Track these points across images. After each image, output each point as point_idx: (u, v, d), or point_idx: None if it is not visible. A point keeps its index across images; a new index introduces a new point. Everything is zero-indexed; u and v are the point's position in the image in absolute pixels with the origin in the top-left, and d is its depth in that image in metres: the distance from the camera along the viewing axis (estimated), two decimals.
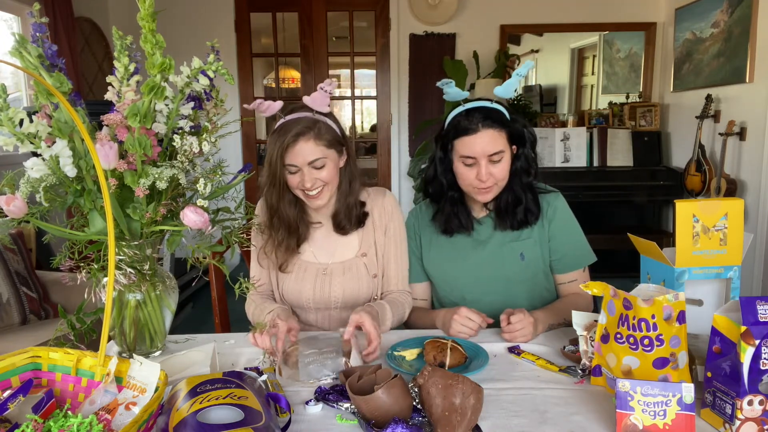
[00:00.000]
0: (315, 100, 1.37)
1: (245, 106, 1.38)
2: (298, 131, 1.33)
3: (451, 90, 1.45)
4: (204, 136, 1.11)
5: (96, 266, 1.09)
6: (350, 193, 1.48)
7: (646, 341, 0.98)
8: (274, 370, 1.17)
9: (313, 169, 1.36)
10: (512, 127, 1.45)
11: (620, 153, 4.42)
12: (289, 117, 1.37)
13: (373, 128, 5.26)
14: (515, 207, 1.49)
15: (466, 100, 1.48)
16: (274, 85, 5.48)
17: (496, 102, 1.46)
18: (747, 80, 3.47)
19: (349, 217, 1.49)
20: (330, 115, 1.42)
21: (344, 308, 1.51)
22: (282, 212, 1.44)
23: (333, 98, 5.70)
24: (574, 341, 1.22)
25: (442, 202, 1.55)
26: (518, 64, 4.64)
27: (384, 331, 1.41)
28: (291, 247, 1.48)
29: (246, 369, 1.14)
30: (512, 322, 1.31)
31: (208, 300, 1.98)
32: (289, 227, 1.46)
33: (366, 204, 1.53)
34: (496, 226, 1.53)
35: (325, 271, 1.50)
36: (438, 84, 1.49)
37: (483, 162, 1.41)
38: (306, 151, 1.34)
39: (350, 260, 1.51)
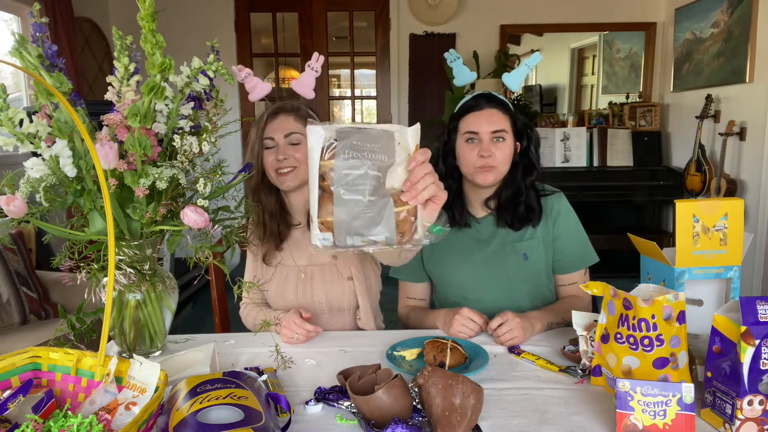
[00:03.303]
0: (301, 81, 1.41)
1: (233, 68, 1.32)
2: (279, 106, 1.43)
3: (459, 68, 1.47)
4: (204, 136, 1.11)
5: (96, 266, 1.09)
6: None
7: (646, 341, 0.98)
8: (275, 371, 1.17)
9: (289, 145, 1.42)
10: (516, 118, 1.50)
11: (620, 153, 4.42)
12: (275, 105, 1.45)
13: None
14: (516, 203, 1.50)
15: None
16: (274, 85, 5.48)
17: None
18: (747, 80, 3.47)
19: None
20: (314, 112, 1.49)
21: (330, 312, 1.51)
22: (262, 198, 1.48)
23: (333, 98, 5.68)
24: (574, 341, 1.22)
25: None
26: (518, 64, 4.64)
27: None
28: (273, 234, 1.49)
29: (246, 369, 1.14)
30: (492, 327, 1.31)
31: (208, 300, 1.98)
32: (272, 213, 1.49)
33: None
34: (497, 222, 1.53)
35: (304, 272, 1.51)
36: (445, 55, 1.52)
37: (485, 138, 1.45)
38: (284, 124, 1.42)
39: (327, 264, 1.52)
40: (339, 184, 0.87)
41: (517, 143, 1.51)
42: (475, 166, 1.46)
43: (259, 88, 1.38)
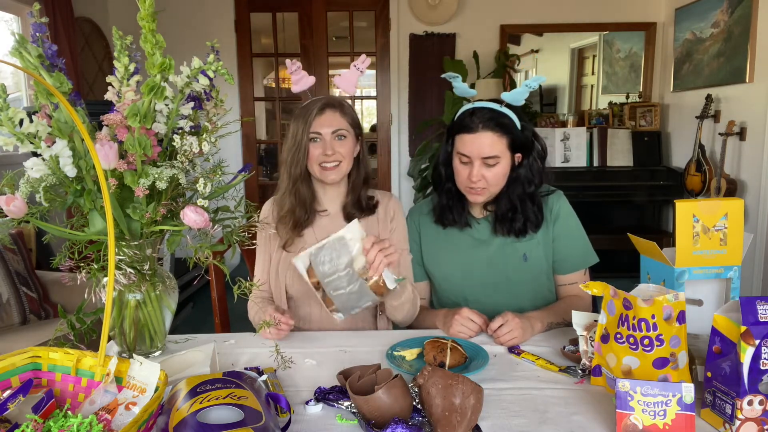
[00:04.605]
0: (344, 79, 1.45)
1: (287, 61, 1.46)
2: (326, 102, 1.45)
3: (458, 84, 1.45)
4: (204, 136, 1.11)
5: (96, 266, 1.09)
6: (362, 186, 1.53)
7: (646, 341, 0.98)
8: (275, 371, 1.17)
9: (335, 139, 1.44)
10: (516, 135, 1.43)
11: (620, 153, 4.42)
12: (316, 97, 1.47)
13: (373, 128, 5.25)
14: (513, 215, 1.48)
15: (476, 100, 1.47)
16: (274, 85, 5.48)
17: (506, 106, 1.44)
18: (747, 80, 3.47)
19: (360, 207, 1.52)
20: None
21: None
22: (299, 187, 1.49)
23: None
24: (574, 341, 1.22)
25: (440, 192, 1.57)
26: (518, 64, 4.64)
27: (400, 302, 1.40)
28: (299, 221, 1.51)
29: (246, 369, 1.14)
30: (493, 328, 1.31)
31: (208, 300, 1.98)
32: (303, 203, 1.51)
33: (374, 198, 1.57)
34: (495, 230, 1.52)
35: None
36: (443, 76, 1.52)
37: (476, 163, 1.42)
38: (332, 120, 1.44)
39: None
40: (328, 288, 1.29)
41: (518, 154, 1.46)
42: (465, 186, 1.47)
43: (304, 80, 1.45)
